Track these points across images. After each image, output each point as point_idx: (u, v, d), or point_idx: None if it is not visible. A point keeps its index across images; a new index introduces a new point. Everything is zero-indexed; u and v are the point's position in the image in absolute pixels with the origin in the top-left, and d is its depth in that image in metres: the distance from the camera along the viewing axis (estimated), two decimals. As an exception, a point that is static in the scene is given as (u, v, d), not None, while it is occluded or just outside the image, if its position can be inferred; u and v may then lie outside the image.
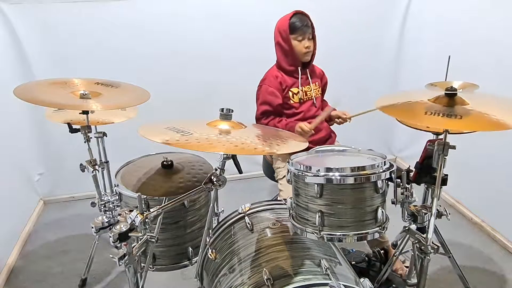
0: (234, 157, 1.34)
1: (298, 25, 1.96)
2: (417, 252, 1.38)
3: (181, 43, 2.83)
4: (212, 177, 1.30)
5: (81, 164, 1.85)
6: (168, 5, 2.73)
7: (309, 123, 1.94)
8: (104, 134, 2.02)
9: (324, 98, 2.28)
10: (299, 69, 2.04)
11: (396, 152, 3.58)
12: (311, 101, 2.09)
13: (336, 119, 2.13)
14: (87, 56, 2.70)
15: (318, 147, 1.57)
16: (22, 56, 2.61)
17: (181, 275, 2.09)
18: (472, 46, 2.46)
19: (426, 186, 1.69)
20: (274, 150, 1.28)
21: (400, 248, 1.78)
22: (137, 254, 1.19)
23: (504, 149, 2.31)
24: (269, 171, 2.31)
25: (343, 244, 2.13)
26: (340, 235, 1.22)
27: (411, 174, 1.43)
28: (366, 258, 2.08)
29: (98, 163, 1.86)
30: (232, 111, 1.34)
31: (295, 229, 1.31)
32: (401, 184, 1.37)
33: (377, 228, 1.23)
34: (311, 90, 2.09)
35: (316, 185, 1.20)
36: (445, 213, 1.44)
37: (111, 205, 1.80)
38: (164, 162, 1.59)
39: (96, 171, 1.82)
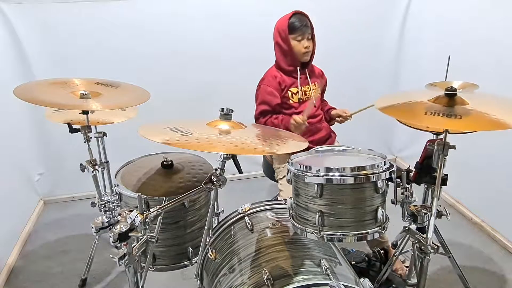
0: (234, 157, 1.34)
1: (297, 25, 1.96)
2: (417, 252, 1.38)
3: (181, 43, 2.83)
4: (212, 177, 1.30)
5: (81, 164, 1.85)
6: (168, 5, 2.73)
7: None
8: (104, 134, 2.02)
9: (324, 98, 2.28)
10: (298, 69, 2.04)
11: (396, 152, 3.58)
12: (310, 101, 2.09)
13: (336, 118, 2.14)
14: (87, 56, 2.70)
15: (318, 147, 1.57)
16: (22, 56, 2.61)
17: (181, 275, 2.09)
18: (472, 46, 2.46)
19: (426, 186, 1.69)
20: (274, 150, 1.28)
21: (400, 248, 1.78)
22: (137, 254, 1.19)
23: (504, 149, 2.31)
24: (269, 171, 2.31)
25: (343, 244, 2.13)
26: (340, 235, 1.22)
27: (411, 174, 1.43)
28: (366, 258, 2.08)
29: (98, 163, 1.86)
30: (232, 111, 1.34)
31: (295, 229, 1.31)
32: (401, 184, 1.37)
33: (377, 228, 1.23)
34: (310, 90, 2.09)
35: (316, 185, 1.20)
36: (445, 213, 1.44)
37: (111, 205, 1.80)
38: (164, 162, 1.59)
39: (96, 171, 1.82)
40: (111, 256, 1.13)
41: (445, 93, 1.30)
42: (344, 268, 1.32)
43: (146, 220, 1.17)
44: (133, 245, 1.17)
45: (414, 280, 1.72)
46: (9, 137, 2.50)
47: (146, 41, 2.77)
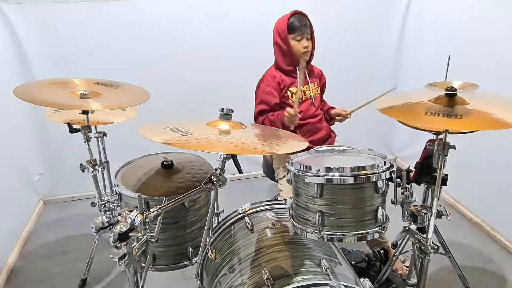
0: (234, 157, 1.34)
1: (297, 25, 1.96)
2: (417, 252, 1.38)
3: (181, 43, 2.83)
4: (212, 177, 1.30)
5: (81, 164, 1.85)
6: (168, 5, 2.73)
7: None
8: (104, 134, 2.02)
9: (323, 98, 2.28)
10: (298, 69, 2.05)
11: (396, 152, 3.58)
12: (310, 101, 2.09)
13: (336, 117, 2.14)
14: (87, 56, 2.70)
15: (318, 147, 1.57)
16: (22, 56, 2.61)
17: (181, 275, 2.09)
18: (472, 46, 2.46)
19: (426, 186, 1.69)
20: (274, 150, 1.28)
21: (400, 248, 1.78)
22: (137, 254, 1.19)
23: (504, 149, 2.31)
24: (269, 171, 2.31)
25: (343, 244, 2.13)
26: (340, 235, 1.22)
27: (411, 174, 1.43)
28: (366, 258, 2.08)
29: (98, 163, 1.86)
30: (232, 111, 1.34)
31: (295, 229, 1.31)
32: (401, 184, 1.37)
33: (377, 228, 1.23)
34: (310, 89, 2.09)
35: (316, 185, 1.20)
36: (445, 213, 1.44)
37: (111, 205, 1.80)
38: (164, 162, 1.59)
39: (96, 171, 1.82)
40: (111, 256, 1.13)
41: (445, 93, 1.30)
42: (344, 268, 1.32)
43: (146, 220, 1.17)
44: (133, 245, 1.17)
45: (414, 280, 1.72)
46: (9, 137, 2.50)
47: (146, 41, 2.77)
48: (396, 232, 1.67)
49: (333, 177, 1.19)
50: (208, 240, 1.50)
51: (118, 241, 1.11)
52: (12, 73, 2.55)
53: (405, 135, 3.30)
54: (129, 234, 1.14)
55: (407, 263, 2.00)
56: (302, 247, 1.35)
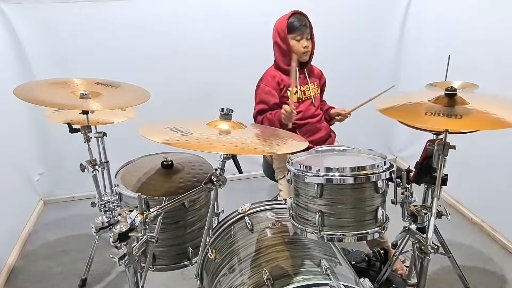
0: (234, 157, 1.34)
1: (296, 25, 1.96)
2: (417, 252, 1.38)
3: (181, 43, 2.83)
4: (212, 177, 1.30)
5: (81, 164, 1.85)
6: (168, 5, 2.73)
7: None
8: (104, 134, 2.02)
9: (323, 99, 2.28)
10: (297, 69, 2.05)
11: (396, 152, 3.58)
12: (309, 101, 2.09)
13: (336, 117, 2.14)
14: (87, 56, 2.70)
15: (318, 147, 1.57)
16: (22, 56, 2.61)
17: (181, 275, 2.09)
18: (472, 46, 2.46)
19: (426, 186, 1.69)
20: (274, 150, 1.28)
21: (400, 248, 1.78)
22: (137, 254, 1.19)
23: (504, 149, 2.31)
24: (269, 171, 2.31)
25: (343, 244, 2.13)
26: (340, 235, 1.22)
27: (411, 174, 1.43)
28: (366, 258, 2.08)
29: (98, 163, 1.86)
30: (232, 111, 1.34)
31: (295, 229, 1.31)
32: (401, 184, 1.37)
33: (377, 228, 1.23)
34: (309, 89, 2.09)
35: (316, 185, 1.20)
36: (445, 213, 1.44)
37: (111, 205, 1.80)
38: (164, 162, 1.59)
39: (96, 171, 1.82)
40: (111, 256, 1.13)
41: (445, 93, 1.30)
42: (344, 268, 1.32)
43: (146, 220, 1.17)
44: (133, 245, 1.17)
45: (414, 280, 1.72)
46: (9, 137, 2.50)
47: (146, 41, 2.77)
48: (396, 232, 1.67)
49: (333, 177, 1.19)
50: (208, 240, 1.50)
51: (118, 241, 1.11)
52: (12, 73, 2.55)
53: (405, 135, 3.30)
54: (129, 234, 1.14)
55: (407, 263, 2.00)
56: (302, 247, 1.35)
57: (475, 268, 2.21)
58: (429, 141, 1.39)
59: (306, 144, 1.31)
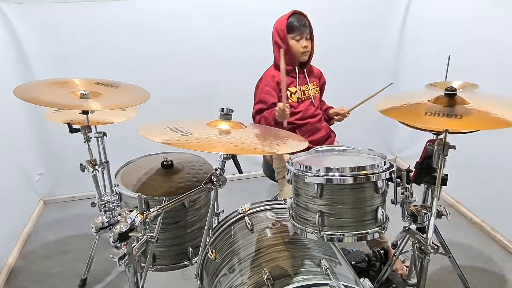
0: (234, 157, 1.34)
1: (296, 25, 1.97)
2: (417, 252, 1.38)
3: (181, 43, 2.83)
4: (212, 177, 1.30)
5: (81, 164, 1.85)
6: (168, 5, 2.73)
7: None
8: (104, 134, 2.02)
9: (322, 99, 2.28)
10: (297, 69, 2.05)
11: (396, 152, 3.58)
12: (309, 101, 2.09)
13: (335, 117, 2.15)
14: (87, 56, 2.70)
15: (318, 147, 1.57)
16: (22, 56, 2.61)
17: (181, 275, 2.09)
18: (472, 46, 2.46)
19: (426, 186, 1.69)
20: (274, 150, 1.28)
21: (400, 248, 1.78)
22: (137, 254, 1.18)
23: (504, 149, 2.31)
24: (269, 171, 2.31)
25: (343, 244, 2.13)
26: (340, 235, 1.22)
27: (411, 174, 1.43)
28: (366, 258, 2.08)
29: (98, 163, 1.86)
30: (232, 111, 1.34)
31: (295, 229, 1.31)
32: (401, 184, 1.37)
33: (377, 228, 1.23)
34: (309, 89, 2.09)
35: (316, 185, 1.20)
36: (445, 213, 1.44)
37: (111, 205, 1.80)
38: (164, 162, 1.59)
39: (96, 171, 1.82)
40: (111, 256, 1.13)
41: (445, 93, 1.30)
42: (344, 268, 1.32)
43: (146, 220, 1.17)
44: (133, 245, 1.17)
45: (414, 280, 1.72)
46: (9, 137, 2.50)
47: (146, 41, 2.77)
48: (396, 232, 1.67)
49: (333, 177, 1.19)
50: (208, 240, 1.50)
51: (118, 241, 1.11)
52: (12, 73, 2.55)
53: (405, 135, 3.30)
54: (129, 234, 1.14)
55: (407, 263, 2.00)
56: (302, 247, 1.35)
57: (475, 268, 2.21)
58: (429, 141, 1.39)
59: (306, 144, 1.31)
